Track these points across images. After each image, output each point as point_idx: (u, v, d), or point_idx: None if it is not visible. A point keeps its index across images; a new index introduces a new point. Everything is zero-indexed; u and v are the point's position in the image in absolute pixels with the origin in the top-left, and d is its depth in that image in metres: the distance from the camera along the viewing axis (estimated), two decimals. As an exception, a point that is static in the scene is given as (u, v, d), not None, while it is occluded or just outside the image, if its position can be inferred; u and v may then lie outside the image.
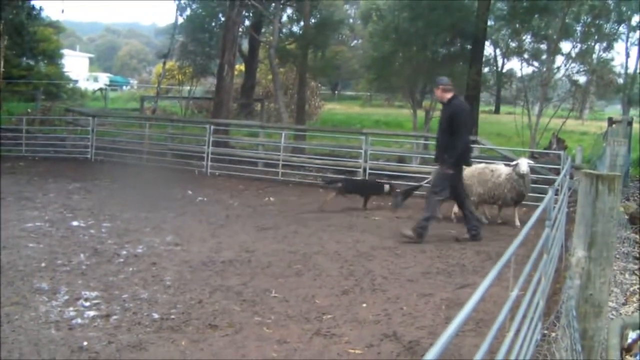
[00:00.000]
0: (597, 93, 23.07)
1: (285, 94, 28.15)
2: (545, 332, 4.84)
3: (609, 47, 20.09)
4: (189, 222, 10.44)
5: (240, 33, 23.59)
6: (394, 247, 9.24)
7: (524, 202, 11.45)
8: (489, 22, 20.69)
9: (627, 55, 29.92)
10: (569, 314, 3.48)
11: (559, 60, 19.22)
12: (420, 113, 19.97)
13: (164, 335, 5.50)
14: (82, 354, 5.06)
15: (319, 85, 35.31)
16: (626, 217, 10.04)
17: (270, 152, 17.30)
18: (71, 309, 6.08)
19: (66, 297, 6.40)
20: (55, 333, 5.44)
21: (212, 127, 16.94)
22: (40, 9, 31.24)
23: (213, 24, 29.70)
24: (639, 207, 11.18)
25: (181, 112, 28.77)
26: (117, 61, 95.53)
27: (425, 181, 12.12)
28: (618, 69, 25.25)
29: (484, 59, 21.49)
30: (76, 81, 47.23)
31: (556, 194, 6.79)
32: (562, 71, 19.00)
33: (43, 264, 7.52)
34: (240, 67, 32.91)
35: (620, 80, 23.56)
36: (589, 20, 19.08)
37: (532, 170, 12.24)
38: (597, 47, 19.97)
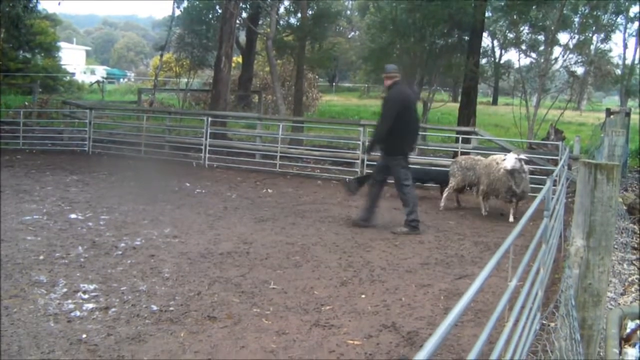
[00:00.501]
0: (594, 84, 23.04)
1: (283, 86, 28.13)
2: (544, 322, 4.85)
3: (607, 38, 20.13)
4: (187, 214, 10.43)
5: (237, 25, 23.50)
6: (392, 238, 9.25)
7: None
8: (487, 14, 20.67)
9: (625, 46, 29.97)
10: (567, 303, 3.48)
11: (557, 51, 19.22)
12: (418, 104, 19.93)
13: (162, 327, 5.50)
14: (81, 346, 5.05)
15: (317, 77, 35.29)
16: (624, 207, 10.05)
17: (268, 143, 17.29)
18: (70, 301, 6.08)
19: (65, 290, 6.39)
20: (54, 326, 5.43)
21: (210, 119, 16.91)
22: (37, 1, 31.06)
23: (210, 15, 29.64)
24: (637, 198, 11.19)
25: (179, 104, 28.74)
26: (114, 54, 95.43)
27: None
28: (616, 60, 25.33)
29: (481, 50, 21.47)
30: (73, 74, 47.21)
31: (554, 185, 6.79)
32: (560, 62, 18.99)
33: (41, 257, 7.51)
34: (237, 59, 32.89)
35: (618, 72, 23.60)
36: (587, 11, 19.07)
37: (530, 162, 12.22)
38: (594, 38, 20.00)
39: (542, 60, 18.74)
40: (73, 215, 9.96)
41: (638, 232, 9.56)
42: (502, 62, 26.28)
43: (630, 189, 13.77)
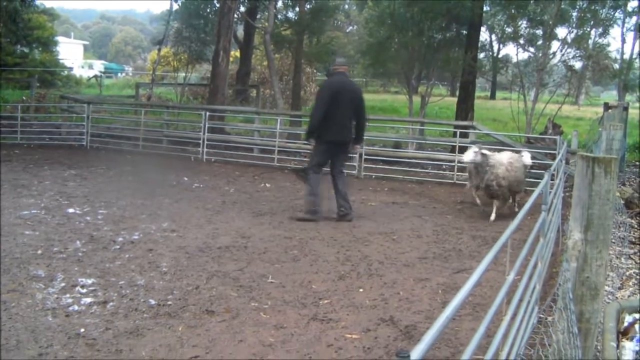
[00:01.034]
0: (592, 79, 23.04)
1: (281, 80, 28.08)
2: (542, 315, 4.86)
3: (605, 33, 20.07)
4: (185, 209, 10.42)
5: (235, 19, 23.46)
6: (390, 232, 9.25)
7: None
8: (485, 8, 20.65)
9: (623, 40, 29.79)
10: (565, 296, 3.49)
11: (555, 45, 19.22)
12: (416, 98, 19.91)
13: (161, 321, 5.50)
14: (79, 340, 5.05)
15: (315, 71, 35.22)
16: (622, 201, 10.06)
17: (266, 138, 17.29)
18: (68, 295, 6.08)
19: (63, 284, 6.39)
20: (52, 320, 5.44)
21: (208, 113, 16.90)
22: (34, -5, 31.10)
23: (208, 10, 29.55)
24: (635, 192, 11.20)
25: (176, 98, 28.65)
26: (111, 48, 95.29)
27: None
28: (614, 55, 25.21)
29: (479, 45, 21.47)
30: (71, 68, 47.17)
31: (552, 179, 6.80)
32: (558, 57, 18.96)
33: (39, 252, 7.51)
34: (235, 53, 32.81)
35: (616, 66, 23.52)
36: (585, 5, 19.03)
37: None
38: (593, 32, 19.95)
39: (540, 55, 18.72)
40: (71, 210, 9.96)
41: (636, 226, 9.58)
42: (500, 56, 26.31)
43: (628, 183, 13.78)
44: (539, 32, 19.58)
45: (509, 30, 19.89)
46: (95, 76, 44.12)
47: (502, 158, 10.57)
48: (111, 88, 43.44)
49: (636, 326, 4.24)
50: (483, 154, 10.28)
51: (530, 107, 18.00)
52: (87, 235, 8.37)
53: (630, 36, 29.63)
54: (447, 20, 20.16)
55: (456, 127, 15.57)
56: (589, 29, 19.46)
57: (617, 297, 6.22)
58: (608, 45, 20.85)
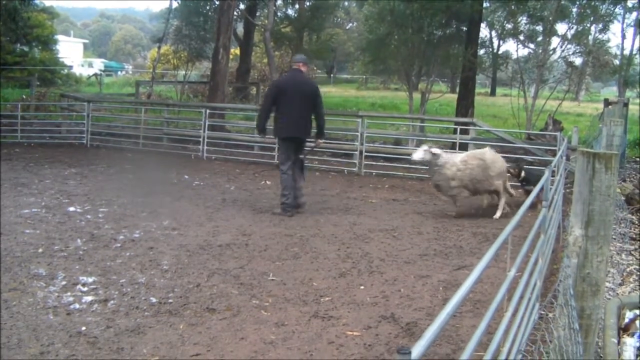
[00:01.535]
0: (593, 75, 23.00)
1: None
2: (543, 312, 4.86)
3: (605, 29, 20.06)
4: (186, 207, 10.43)
5: (235, 16, 23.45)
6: (391, 230, 9.25)
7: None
8: (485, 4, 20.66)
9: (623, 36, 29.84)
10: (566, 292, 3.49)
11: (555, 41, 19.18)
12: (417, 95, 19.92)
13: (162, 319, 5.50)
14: (81, 338, 5.06)
15: (315, 68, 35.25)
16: (623, 198, 10.06)
17: (267, 135, 17.25)
18: (69, 294, 6.08)
19: (64, 283, 6.40)
20: (53, 318, 5.44)
21: (208, 111, 16.90)
22: (34, -6, 31.11)
23: (208, 7, 29.55)
24: (635, 188, 11.20)
25: (177, 96, 28.65)
26: (111, 46, 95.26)
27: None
28: (614, 51, 25.22)
29: (479, 41, 21.45)
30: (71, 67, 47.16)
31: (552, 175, 6.80)
32: (558, 53, 18.96)
33: (40, 250, 7.51)
34: (235, 50, 32.80)
35: (616, 62, 23.54)
36: (585, 1, 19.03)
37: (529, 153, 12.12)
38: (593, 28, 19.93)
39: (540, 51, 18.72)
40: (72, 208, 9.96)
41: (636, 222, 9.59)
42: (500, 52, 26.24)
43: (629, 179, 13.79)
44: (539, 28, 19.57)
45: (509, 26, 19.87)
46: (95, 74, 44.10)
47: (455, 158, 10.45)
48: (111, 86, 43.42)
49: (637, 322, 4.25)
50: (433, 153, 10.22)
51: (530, 104, 18.00)
52: (87, 233, 8.37)
53: (630, 32, 29.64)
54: (447, 17, 20.16)
55: (456, 123, 15.55)
56: (589, 25, 19.44)
57: (617, 294, 6.22)
58: (608, 41, 20.88)
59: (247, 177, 13.98)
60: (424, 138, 15.96)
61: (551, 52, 18.78)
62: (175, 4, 28.90)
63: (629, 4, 23.51)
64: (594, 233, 3.70)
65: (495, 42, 26.96)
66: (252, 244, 8.16)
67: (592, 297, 3.78)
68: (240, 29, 31.21)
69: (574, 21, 18.95)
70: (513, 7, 18.80)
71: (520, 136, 16.17)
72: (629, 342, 4.09)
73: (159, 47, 28.80)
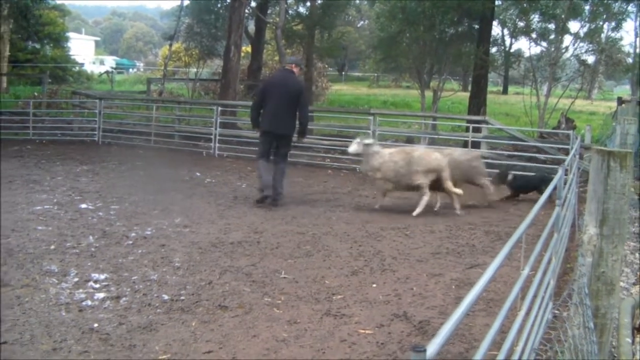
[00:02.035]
0: (605, 73, 22.96)
1: (292, 75, 28.02)
2: (557, 311, 4.83)
3: (618, 27, 19.98)
4: (198, 204, 10.44)
5: (246, 14, 23.48)
6: (403, 228, 9.23)
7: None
8: (497, 2, 20.57)
9: (636, 34, 29.56)
10: (581, 291, 3.47)
11: (567, 39, 19.12)
12: (428, 93, 19.90)
13: (174, 317, 5.51)
14: (93, 335, 5.07)
15: (326, 66, 35.23)
16: (636, 197, 10.00)
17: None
18: (81, 290, 6.09)
19: (76, 279, 6.41)
20: (65, 315, 5.45)
21: (219, 108, 16.92)
22: (46, -8, 31.21)
23: (219, 5, 29.61)
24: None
25: (188, 94, 28.75)
26: (123, 44, 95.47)
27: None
28: (627, 49, 25.09)
29: (491, 39, 21.38)
30: (82, 64, 47.28)
31: (566, 174, 6.76)
32: (571, 51, 18.91)
33: (52, 247, 7.53)
34: (246, 48, 32.83)
35: (629, 60, 23.41)
36: (597, -1, 18.94)
37: (542, 151, 12.06)
38: (605, 26, 19.86)
39: (552, 49, 18.66)
40: (83, 205, 9.99)
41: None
42: (512, 50, 26.10)
43: (642, 178, 13.68)
44: (552, 26, 19.52)
45: (521, 24, 19.84)
46: (107, 72, 44.25)
47: (385, 151, 10.65)
48: (122, 84, 43.58)
49: (652, 322, 4.22)
50: (365, 144, 10.51)
51: (542, 102, 17.94)
52: (99, 230, 8.39)
53: (643, 30, 29.41)
54: (459, 15, 20.12)
55: (469, 121, 15.51)
56: (601, 23, 19.36)
57: (631, 293, 6.18)
58: (621, 39, 20.84)
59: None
60: (436, 136, 15.94)
61: (564, 50, 18.73)
62: (186, 2, 28.95)
63: (642, 2, 23.34)
64: (608, 232, 3.67)
65: (508, 40, 26.90)
66: (264, 241, 8.16)
67: (607, 296, 3.76)
68: (251, 26, 31.22)
69: (586, 19, 18.88)
70: (525, 4, 18.75)
71: (533, 134, 16.11)
72: (644, 342, 4.07)
73: (170, 45, 28.81)
